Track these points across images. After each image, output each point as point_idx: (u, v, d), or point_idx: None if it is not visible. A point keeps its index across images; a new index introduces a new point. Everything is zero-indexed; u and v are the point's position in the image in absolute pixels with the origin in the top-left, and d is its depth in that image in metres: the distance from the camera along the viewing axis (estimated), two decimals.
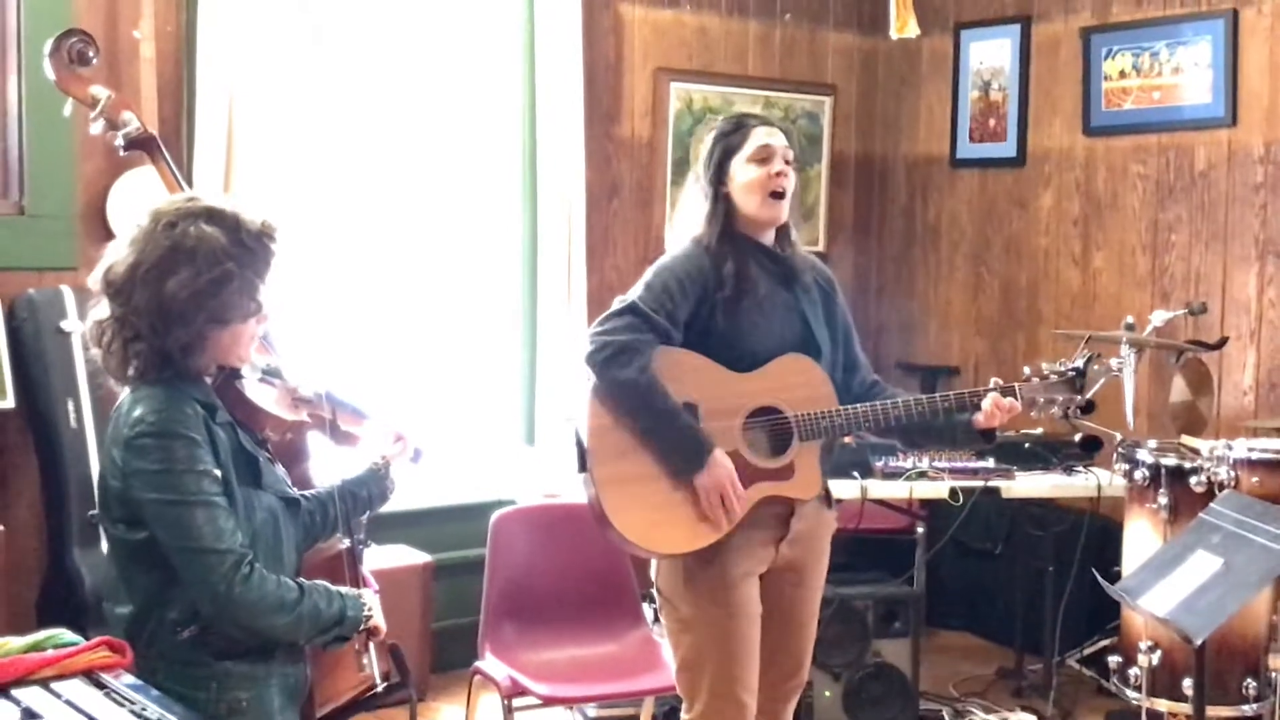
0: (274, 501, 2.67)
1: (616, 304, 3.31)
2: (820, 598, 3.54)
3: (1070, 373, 3.35)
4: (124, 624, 2.59)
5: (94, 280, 2.62)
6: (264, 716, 2.61)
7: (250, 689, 2.59)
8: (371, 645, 2.78)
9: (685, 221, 3.44)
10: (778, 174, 3.32)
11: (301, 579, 2.65)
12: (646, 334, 3.23)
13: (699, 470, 3.21)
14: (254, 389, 2.81)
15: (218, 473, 2.52)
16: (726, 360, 3.31)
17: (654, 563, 3.42)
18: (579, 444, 3.29)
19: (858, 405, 3.36)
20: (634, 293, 3.30)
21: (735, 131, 3.36)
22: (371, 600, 2.77)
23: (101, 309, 2.60)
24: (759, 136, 3.34)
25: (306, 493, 2.84)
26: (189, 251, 2.53)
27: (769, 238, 3.42)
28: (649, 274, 3.35)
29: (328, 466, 3.04)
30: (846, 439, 4.68)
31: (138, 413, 2.51)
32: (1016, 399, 3.32)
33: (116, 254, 2.60)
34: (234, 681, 2.57)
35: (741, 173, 3.32)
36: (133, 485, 2.50)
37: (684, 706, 3.38)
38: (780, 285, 3.39)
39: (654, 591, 3.44)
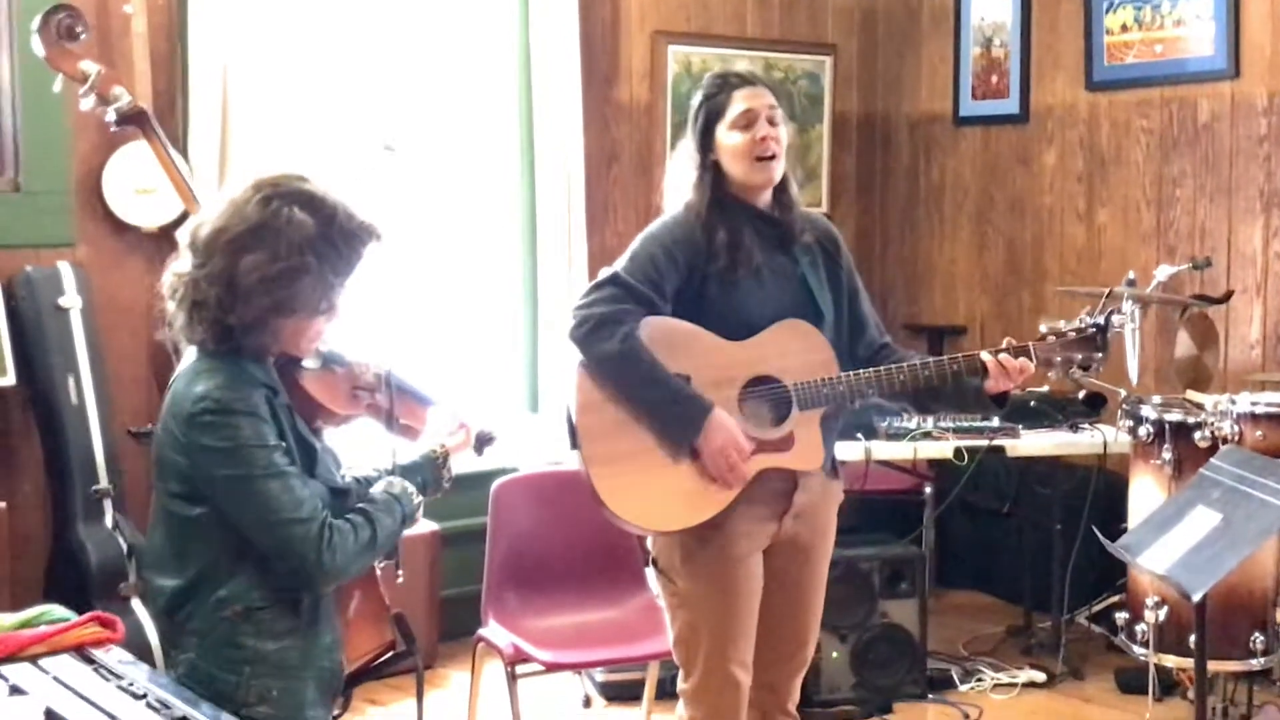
0: (323, 491, 2.61)
1: (600, 276, 3.24)
2: (826, 573, 3.44)
3: (1090, 329, 3.23)
4: (163, 597, 2.56)
5: (182, 233, 2.59)
6: (294, 709, 2.57)
7: (284, 679, 2.55)
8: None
9: (675, 187, 3.34)
10: (762, 138, 3.20)
11: (364, 506, 2.62)
12: (628, 304, 3.14)
13: (698, 435, 3.11)
14: (311, 380, 2.76)
15: (284, 444, 2.50)
16: (722, 330, 3.21)
17: (651, 536, 3.36)
18: (569, 422, 3.22)
19: (861, 371, 3.23)
20: (618, 263, 3.23)
21: (717, 95, 3.25)
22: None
23: (183, 263, 2.56)
24: (740, 101, 3.23)
25: (358, 475, 2.79)
26: (274, 233, 2.49)
27: (764, 200, 3.30)
28: (635, 243, 3.26)
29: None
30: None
31: (200, 388, 2.48)
32: (1031, 359, 3.20)
33: (209, 213, 2.56)
34: (268, 669, 2.53)
35: (726, 139, 3.23)
36: (199, 462, 2.47)
37: (680, 676, 3.35)
38: (777, 249, 3.28)
39: (652, 564, 3.39)
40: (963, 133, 6.49)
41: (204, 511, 2.49)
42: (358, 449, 2.98)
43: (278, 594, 2.53)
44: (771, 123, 3.22)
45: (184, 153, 4.67)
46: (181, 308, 2.54)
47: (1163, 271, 5.08)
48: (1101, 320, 3.24)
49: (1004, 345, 3.23)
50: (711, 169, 3.25)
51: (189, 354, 2.61)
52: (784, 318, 3.23)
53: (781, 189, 3.31)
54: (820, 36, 6.49)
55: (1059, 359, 3.23)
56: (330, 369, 2.80)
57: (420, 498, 2.71)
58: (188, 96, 4.77)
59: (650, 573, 3.51)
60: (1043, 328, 3.28)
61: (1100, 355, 3.23)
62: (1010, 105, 6.24)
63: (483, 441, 3.04)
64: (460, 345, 5.66)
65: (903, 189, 6.77)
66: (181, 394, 2.52)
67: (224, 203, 2.55)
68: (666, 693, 4.10)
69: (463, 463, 5.64)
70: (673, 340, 3.17)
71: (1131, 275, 4.95)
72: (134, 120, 4.05)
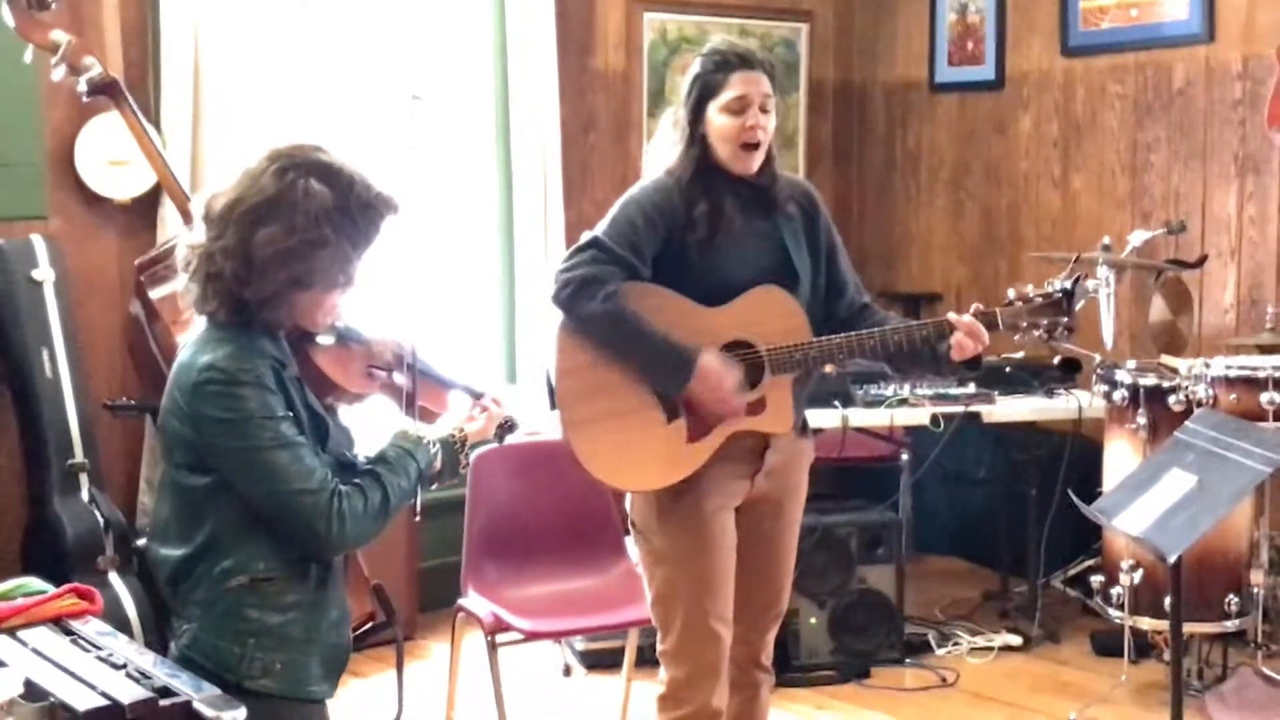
0: (333, 464, 2.58)
1: (581, 240, 3.26)
2: (798, 529, 3.51)
3: (1057, 294, 3.23)
4: (168, 566, 2.54)
5: (196, 205, 2.56)
6: (298, 684, 2.54)
7: (288, 652, 2.52)
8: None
9: (660, 151, 3.35)
10: (751, 126, 3.20)
11: (374, 467, 2.58)
12: (610, 265, 3.18)
13: (688, 379, 3.15)
14: (323, 355, 2.72)
15: (291, 415, 2.48)
16: (701, 295, 3.25)
17: (628, 496, 3.40)
18: (549, 385, 3.28)
19: (832, 336, 3.26)
20: (599, 227, 3.25)
21: (715, 72, 3.23)
22: (448, 422, 2.74)
23: (196, 234, 2.54)
24: (736, 85, 3.20)
25: (371, 455, 2.71)
26: (290, 205, 2.46)
27: (748, 172, 3.30)
28: (615, 207, 3.28)
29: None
30: (829, 368, 4.68)
31: (206, 358, 2.46)
32: (998, 325, 3.22)
33: (223, 184, 2.53)
34: (272, 642, 2.50)
35: (716, 119, 3.22)
36: (204, 433, 2.45)
37: (659, 637, 3.37)
38: (759, 214, 3.30)
39: (631, 525, 3.42)
40: (939, 99, 6.48)
41: (210, 481, 2.47)
42: (373, 432, 2.88)
43: (284, 565, 2.51)
44: (764, 110, 3.22)
45: (156, 124, 4.64)
46: (195, 279, 2.51)
47: (1137, 236, 5.11)
48: (1069, 285, 3.24)
49: (971, 311, 3.25)
50: (699, 142, 3.25)
51: (197, 323, 2.59)
52: (762, 282, 3.26)
53: (766, 162, 3.31)
54: (796, 3, 6.48)
55: (1024, 324, 3.24)
56: (346, 345, 2.75)
57: (436, 446, 2.66)
58: (159, 67, 4.73)
59: (631, 540, 3.53)
60: (1010, 293, 3.28)
61: (1066, 320, 3.24)
62: (986, 72, 6.25)
63: (504, 429, 2.97)
64: (438, 316, 5.64)
65: (879, 156, 6.77)
66: (187, 364, 2.49)
67: (238, 173, 2.51)
68: (646, 660, 4.12)
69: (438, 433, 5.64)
70: (648, 305, 3.20)
71: (1106, 240, 4.97)
72: (106, 91, 4.03)
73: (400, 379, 2.81)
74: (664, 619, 3.35)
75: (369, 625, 3.58)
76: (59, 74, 3.95)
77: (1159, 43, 5.62)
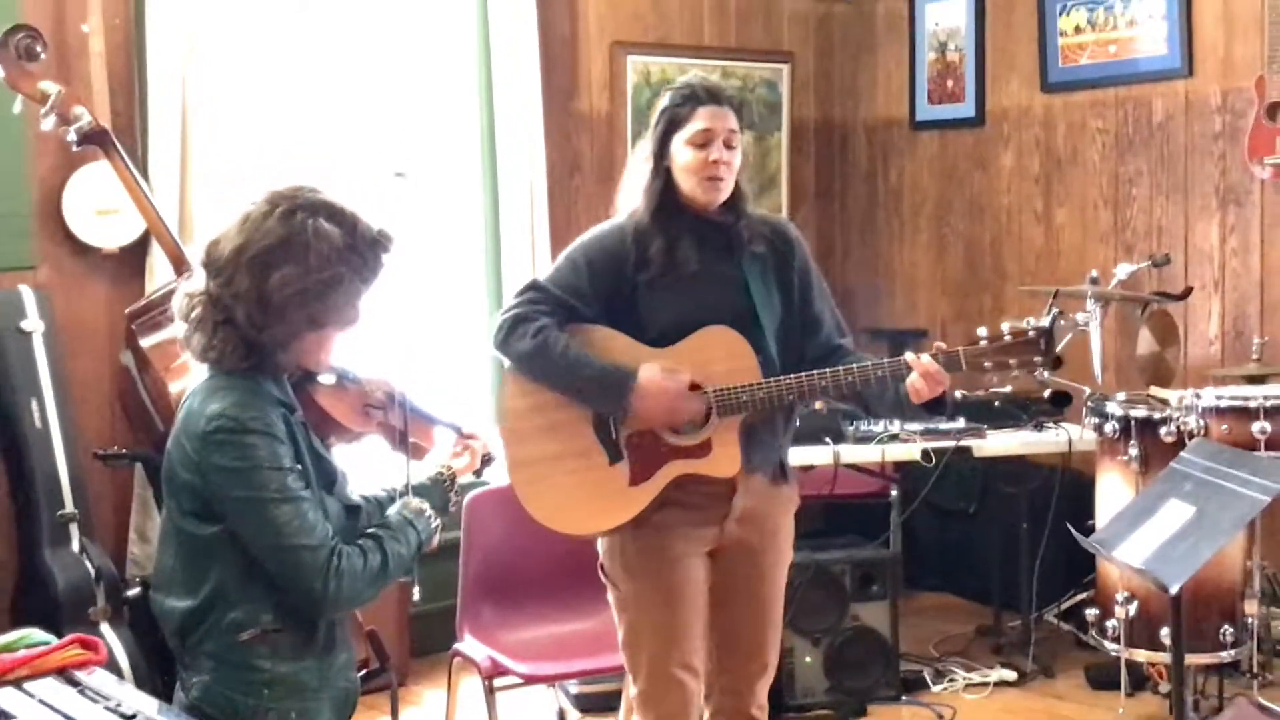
0: (340, 509, 2.60)
1: (521, 284, 3.29)
2: (782, 579, 3.42)
3: (1032, 332, 3.11)
4: (175, 618, 2.52)
5: (195, 252, 2.55)
6: None
7: (301, 700, 2.52)
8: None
9: (631, 184, 3.34)
10: (714, 161, 3.19)
11: (377, 530, 2.58)
12: (544, 305, 3.19)
13: (629, 397, 3.13)
14: (326, 395, 2.74)
15: (299, 467, 2.47)
16: (654, 337, 3.22)
17: (599, 541, 3.36)
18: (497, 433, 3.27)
19: (783, 378, 3.18)
20: (542, 271, 3.30)
21: (682, 105, 3.23)
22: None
23: (196, 282, 2.52)
24: (701, 118, 3.20)
25: (367, 495, 2.77)
26: (302, 245, 2.46)
27: (713, 209, 3.29)
28: (564, 251, 3.30)
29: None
30: (819, 405, 4.67)
31: (215, 406, 2.45)
32: (961, 365, 3.09)
33: (223, 230, 2.51)
34: (287, 690, 2.50)
35: (680, 153, 3.22)
36: (211, 481, 2.44)
37: (629, 681, 3.36)
38: (723, 256, 3.27)
39: (600, 569, 3.38)
40: (920, 137, 6.53)
41: (217, 531, 2.46)
42: (364, 469, 2.95)
43: (293, 615, 2.50)
44: (728, 145, 3.21)
45: (143, 172, 4.62)
46: (201, 328, 2.50)
47: (1123, 270, 5.14)
48: (1047, 323, 3.11)
49: (932, 350, 3.14)
50: (664, 174, 3.25)
51: (196, 371, 2.58)
52: (719, 323, 3.23)
53: (733, 199, 3.29)
54: (777, 44, 6.53)
55: (990, 364, 3.11)
56: (344, 385, 2.78)
57: (438, 520, 2.68)
58: (146, 116, 4.73)
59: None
60: (980, 331, 3.14)
61: (1042, 360, 3.10)
62: (966, 109, 6.29)
63: (485, 462, 3.02)
64: (427, 357, 5.63)
65: (862, 194, 6.80)
66: (196, 411, 2.48)
67: (238, 218, 2.51)
68: None
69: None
70: (594, 346, 3.21)
71: (1094, 274, 5.01)
72: (95, 140, 4.04)
73: (393, 417, 2.83)
74: (631, 664, 3.34)
75: (364, 671, 3.55)
76: (49, 124, 3.95)
77: (1138, 78, 5.67)
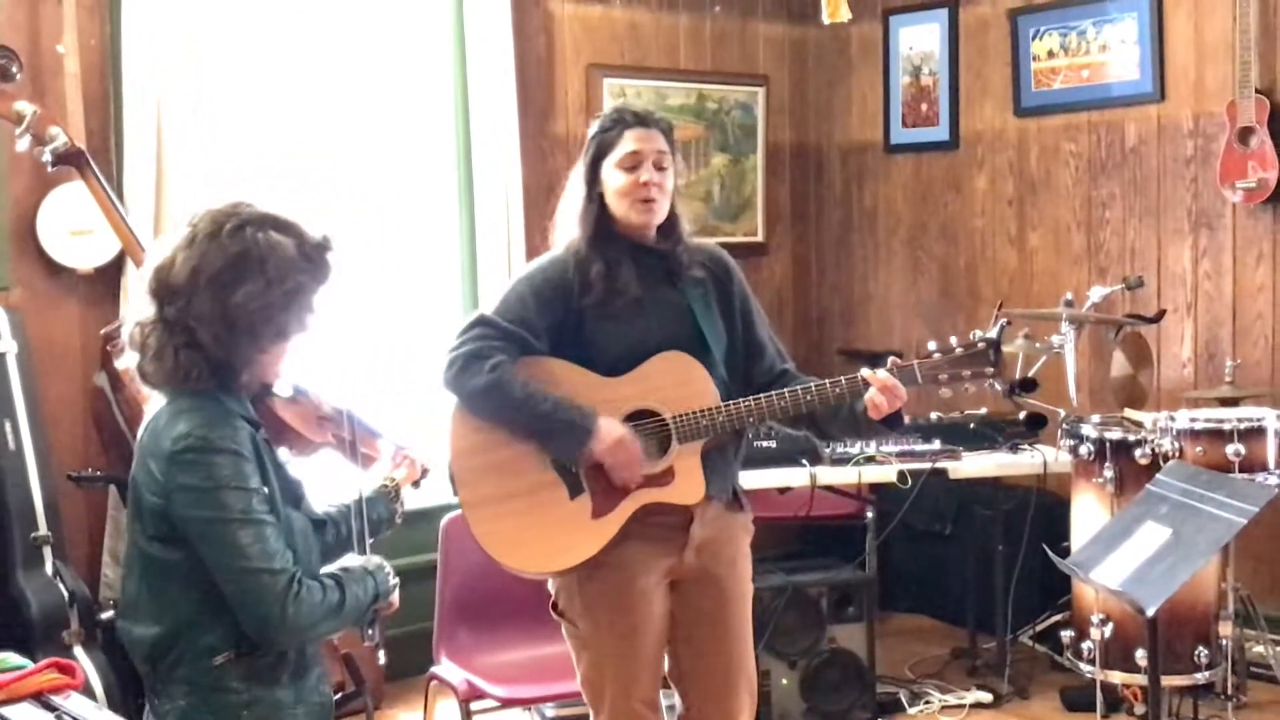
0: (306, 524, 2.59)
1: (468, 319, 3.23)
2: (747, 608, 3.37)
3: (980, 344, 3.12)
4: (144, 645, 2.49)
5: (141, 279, 2.53)
6: None
7: (282, 718, 2.51)
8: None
9: (563, 220, 3.32)
10: (644, 183, 3.17)
11: (338, 572, 2.57)
12: (496, 340, 3.13)
13: (589, 441, 3.08)
14: (284, 407, 2.73)
15: (265, 490, 2.45)
16: (603, 365, 3.19)
17: (550, 580, 3.31)
18: (449, 471, 3.21)
19: (740, 401, 3.17)
20: (488, 305, 3.23)
21: (610, 130, 3.23)
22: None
23: (145, 310, 2.50)
24: (629, 141, 3.19)
25: (328, 510, 2.77)
26: (259, 261, 2.44)
27: (649, 235, 3.27)
28: (507, 284, 3.28)
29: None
30: (771, 433, 4.67)
31: (182, 427, 2.42)
32: (917, 379, 3.12)
33: (168, 254, 2.48)
34: (265, 710, 2.48)
35: (612, 178, 3.20)
36: (175, 502, 2.41)
37: (591, 716, 3.33)
38: (663, 283, 3.25)
39: (551, 607, 3.33)
40: (894, 160, 6.56)
41: (184, 555, 2.43)
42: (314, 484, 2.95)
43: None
44: (658, 167, 3.20)
45: (119, 192, 4.61)
46: (160, 356, 2.47)
47: (1096, 292, 5.17)
48: (993, 335, 3.14)
49: (888, 364, 3.15)
50: (597, 201, 3.23)
51: (157, 397, 2.55)
52: (668, 349, 3.20)
53: (669, 225, 3.28)
54: (752, 68, 6.55)
55: (945, 376, 3.14)
56: (298, 397, 2.78)
57: (396, 579, 2.66)
58: (121, 136, 4.72)
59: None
60: (931, 345, 3.18)
61: (992, 371, 3.14)
62: (940, 132, 6.33)
63: (423, 475, 3.03)
64: (401, 378, 5.62)
65: (836, 217, 6.83)
66: (161, 433, 2.45)
67: (182, 241, 2.48)
68: None
69: (406, 499, 5.63)
70: (549, 378, 3.16)
71: (1069, 296, 5.03)
72: (71, 160, 4.02)
73: (342, 429, 2.85)
74: (592, 701, 3.31)
75: (339, 695, 3.54)
76: (24, 144, 3.94)
77: (1110, 102, 5.72)
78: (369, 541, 2.76)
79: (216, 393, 2.48)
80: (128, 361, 2.57)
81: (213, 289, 2.43)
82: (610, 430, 3.10)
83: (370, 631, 2.65)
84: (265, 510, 2.44)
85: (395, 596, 2.66)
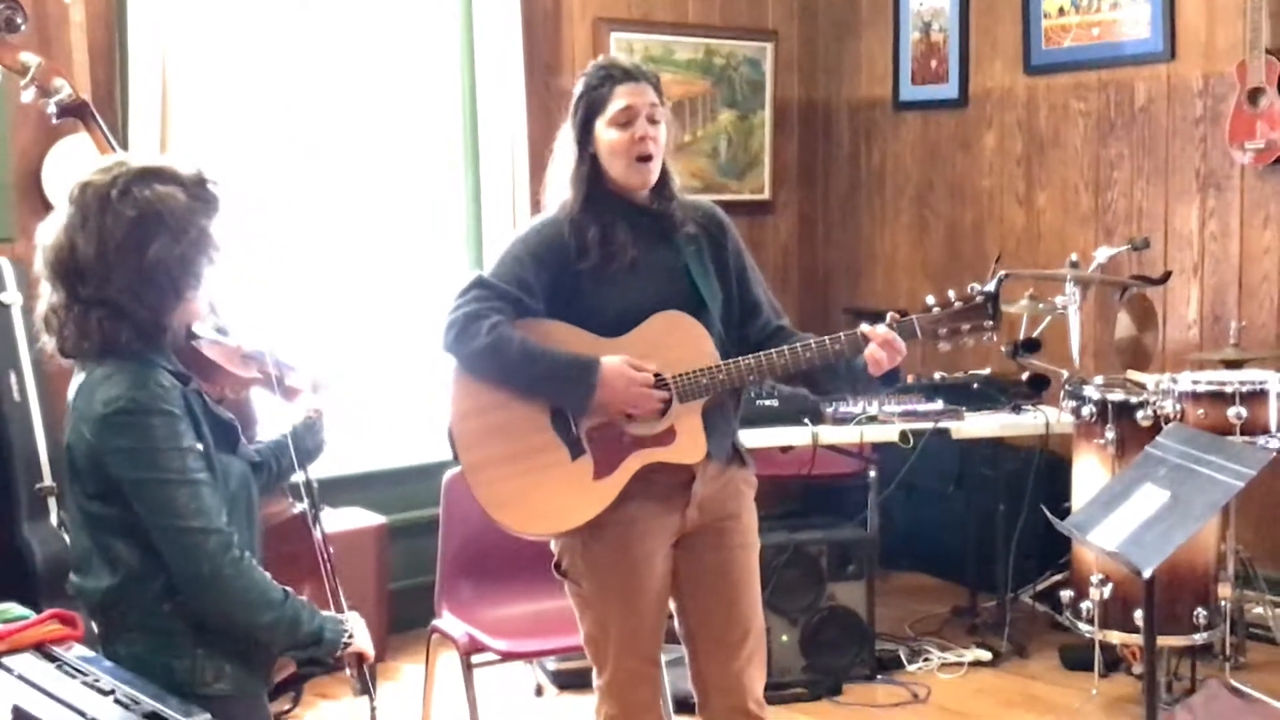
0: (244, 467, 2.63)
1: (465, 282, 3.19)
2: (753, 561, 3.34)
3: (979, 297, 3.10)
4: (95, 597, 2.52)
5: (43, 266, 2.52)
6: (247, 680, 2.57)
7: (233, 654, 2.53)
8: (364, 668, 2.75)
9: (554, 183, 3.25)
10: (640, 137, 3.12)
11: (288, 590, 2.58)
12: (494, 301, 3.10)
13: (594, 390, 3.07)
14: (210, 347, 2.77)
15: (199, 447, 2.47)
16: (601, 326, 3.16)
17: (553, 540, 3.31)
18: (449, 434, 3.19)
19: (740, 359, 3.14)
20: (485, 267, 3.21)
21: (599, 87, 3.15)
22: (356, 624, 2.69)
23: (56, 294, 2.51)
24: (620, 97, 3.13)
25: (259, 448, 2.83)
26: (157, 216, 2.45)
27: (642, 194, 3.22)
28: (503, 246, 3.25)
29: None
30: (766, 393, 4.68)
31: (112, 391, 2.43)
32: (916, 333, 3.10)
33: (60, 237, 2.49)
34: (219, 648, 2.51)
35: (605, 135, 3.13)
36: (109, 463, 2.43)
37: (594, 672, 3.32)
38: (658, 242, 3.21)
39: (555, 567, 3.32)
40: (903, 118, 6.53)
41: (124, 510, 2.46)
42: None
43: None
44: (652, 120, 3.14)
45: (123, 144, 4.61)
46: (85, 332, 2.48)
47: (1102, 253, 5.16)
48: (991, 288, 3.13)
49: (887, 320, 3.13)
50: (589, 161, 3.17)
51: (82, 365, 2.56)
52: (665, 309, 3.17)
53: (661, 183, 3.23)
54: (761, 23, 6.52)
55: (945, 330, 3.12)
56: (221, 336, 2.84)
57: (350, 638, 2.65)
58: (127, 87, 4.71)
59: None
60: (929, 299, 3.16)
61: (991, 324, 3.13)
62: (949, 90, 6.30)
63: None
64: (406, 338, 5.63)
65: (844, 174, 6.81)
66: (93, 397, 2.46)
67: (74, 221, 2.49)
68: None
69: (407, 455, 5.65)
70: (546, 338, 3.14)
71: (1074, 257, 5.01)
72: (76, 112, 4.00)
73: (266, 364, 2.91)
74: (596, 658, 3.31)
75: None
76: (28, 96, 3.92)
77: (1121, 61, 5.69)
78: (306, 471, 2.88)
79: (145, 352, 2.50)
80: (47, 344, 2.58)
81: (124, 257, 2.45)
82: (614, 368, 3.08)
83: (354, 684, 2.71)
84: (200, 468, 2.46)
85: (363, 645, 2.67)
